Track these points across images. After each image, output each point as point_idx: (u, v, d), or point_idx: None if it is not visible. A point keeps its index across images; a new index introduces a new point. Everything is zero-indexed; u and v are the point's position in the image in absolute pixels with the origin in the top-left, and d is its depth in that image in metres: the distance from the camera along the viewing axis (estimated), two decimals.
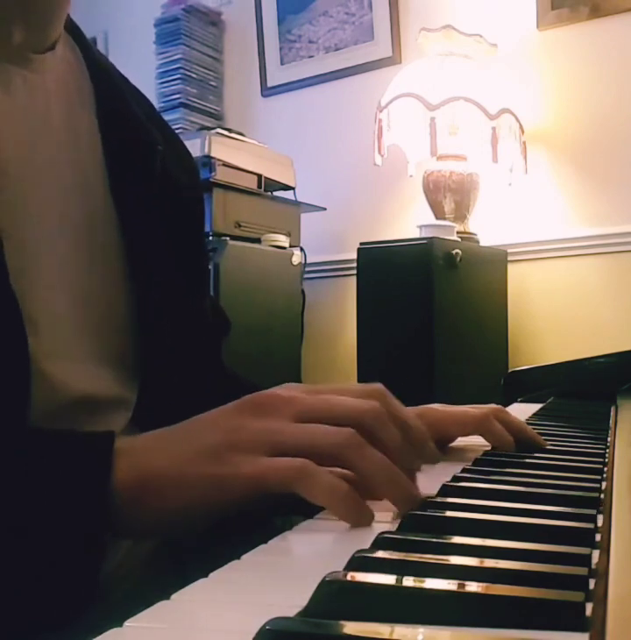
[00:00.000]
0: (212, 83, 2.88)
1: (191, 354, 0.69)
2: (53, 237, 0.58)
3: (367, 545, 0.33)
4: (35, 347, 0.52)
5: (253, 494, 0.40)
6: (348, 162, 2.59)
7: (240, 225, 2.20)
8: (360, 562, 0.30)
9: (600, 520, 0.37)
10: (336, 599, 0.27)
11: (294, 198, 2.43)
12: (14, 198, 0.55)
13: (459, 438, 0.66)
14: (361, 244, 2.09)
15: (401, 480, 0.41)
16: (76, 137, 0.63)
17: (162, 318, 0.65)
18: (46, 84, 0.61)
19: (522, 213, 2.28)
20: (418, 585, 0.28)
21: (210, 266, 1.99)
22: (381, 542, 0.33)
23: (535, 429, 0.74)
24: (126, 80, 0.71)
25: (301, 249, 2.40)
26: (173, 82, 2.77)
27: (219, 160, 2.15)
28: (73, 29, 0.67)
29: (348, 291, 2.34)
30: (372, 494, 0.42)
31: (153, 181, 0.66)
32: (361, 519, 0.40)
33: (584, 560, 0.30)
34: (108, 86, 0.67)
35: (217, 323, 0.80)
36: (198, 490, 0.41)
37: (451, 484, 0.46)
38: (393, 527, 0.37)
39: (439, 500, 0.42)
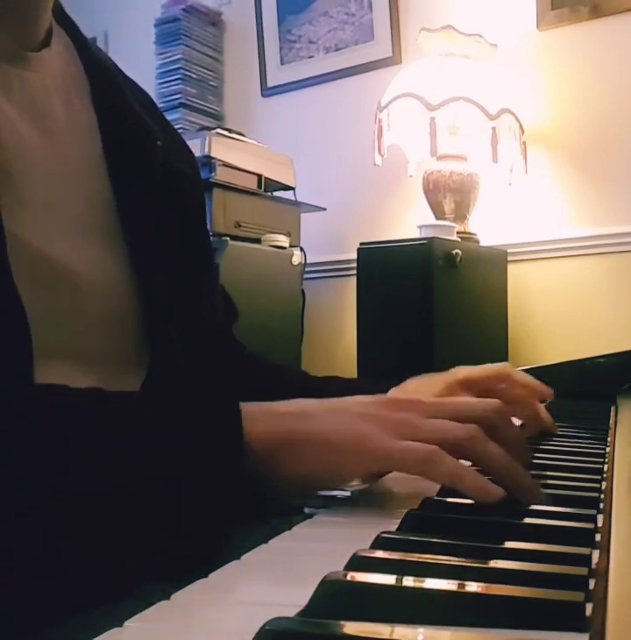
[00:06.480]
0: (212, 83, 2.88)
1: (199, 345, 0.69)
2: (57, 234, 0.58)
3: (367, 545, 0.33)
4: (37, 346, 0.52)
5: (382, 469, 0.45)
6: (348, 162, 2.58)
7: (240, 225, 2.20)
8: (360, 562, 0.30)
9: (600, 520, 0.37)
10: (336, 599, 0.27)
11: (293, 198, 2.43)
12: (16, 199, 0.55)
13: None
14: (361, 244, 2.08)
15: (520, 472, 0.45)
16: (77, 133, 0.63)
17: (168, 311, 0.65)
18: (44, 81, 0.61)
19: (522, 213, 2.28)
20: (418, 585, 0.28)
21: None
22: (381, 542, 0.33)
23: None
24: (124, 75, 0.71)
25: (301, 249, 2.40)
26: (173, 82, 2.77)
27: (219, 160, 2.15)
28: (67, 24, 0.67)
29: (348, 291, 2.34)
30: None
31: (153, 175, 0.66)
32: (490, 493, 0.42)
33: (585, 560, 0.30)
34: (104, 81, 0.67)
35: (227, 310, 0.80)
36: (341, 455, 0.44)
37: None
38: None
39: (439, 500, 0.42)
